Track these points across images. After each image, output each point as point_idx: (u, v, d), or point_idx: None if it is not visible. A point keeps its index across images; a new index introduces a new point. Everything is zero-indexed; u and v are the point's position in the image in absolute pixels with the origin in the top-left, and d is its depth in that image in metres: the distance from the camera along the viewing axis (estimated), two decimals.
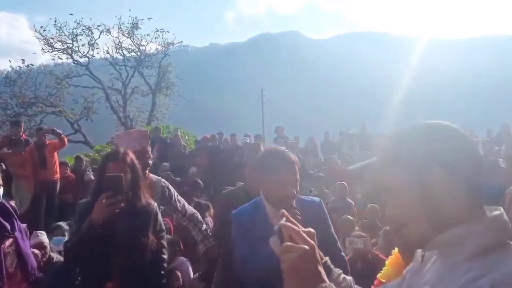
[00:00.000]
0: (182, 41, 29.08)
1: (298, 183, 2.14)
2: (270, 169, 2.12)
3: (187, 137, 14.12)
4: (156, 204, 2.58)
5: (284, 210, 1.14)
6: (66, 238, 4.63)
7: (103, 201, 2.25)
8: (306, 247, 0.98)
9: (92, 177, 8.44)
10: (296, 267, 0.96)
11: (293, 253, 0.97)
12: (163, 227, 2.59)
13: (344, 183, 6.01)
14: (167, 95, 25.79)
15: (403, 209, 0.97)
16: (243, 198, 2.95)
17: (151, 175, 3.28)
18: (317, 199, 2.40)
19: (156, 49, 25.71)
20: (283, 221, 1.06)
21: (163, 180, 3.30)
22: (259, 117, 28.46)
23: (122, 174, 2.32)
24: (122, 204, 2.28)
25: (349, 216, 5.04)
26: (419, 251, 1.04)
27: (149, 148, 3.23)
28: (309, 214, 1.98)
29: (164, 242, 2.61)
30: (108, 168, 2.42)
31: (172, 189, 3.29)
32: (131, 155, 2.50)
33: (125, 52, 25.23)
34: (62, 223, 4.67)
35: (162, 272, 2.57)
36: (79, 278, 2.58)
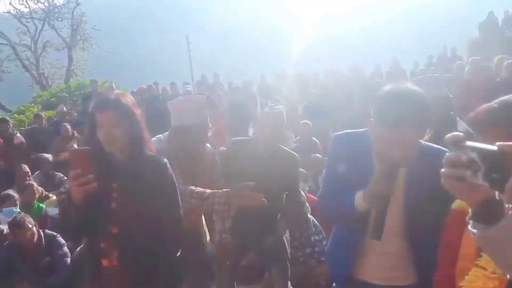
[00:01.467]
0: None
1: (416, 144, 1.66)
2: (383, 119, 1.62)
3: (117, 90, 13.24)
4: (166, 161, 2.11)
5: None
6: (17, 209, 4.16)
7: (74, 181, 1.84)
8: None
9: (24, 140, 7.65)
10: None
11: None
12: (177, 190, 2.13)
13: (308, 122, 5.96)
14: (84, 49, 23.96)
15: None
16: (251, 148, 2.71)
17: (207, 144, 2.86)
18: (445, 149, 1.95)
19: None
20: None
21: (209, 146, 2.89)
22: (182, 65, 27.29)
23: (88, 148, 1.88)
24: (96, 184, 1.83)
25: (317, 155, 5.04)
26: None
27: (208, 119, 2.68)
28: (434, 165, 1.70)
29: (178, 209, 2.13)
30: (98, 120, 1.95)
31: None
32: (126, 99, 2.02)
33: (31, 3, 22.71)
34: (11, 192, 4.14)
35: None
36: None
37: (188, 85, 10.28)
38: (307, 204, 3.84)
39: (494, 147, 0.82)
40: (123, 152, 2.00)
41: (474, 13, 16.08)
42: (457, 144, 0.87)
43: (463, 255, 1.70)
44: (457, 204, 1.75)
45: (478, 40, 12.99)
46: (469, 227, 0.98)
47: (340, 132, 1.99)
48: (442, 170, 0.91)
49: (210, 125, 2.72)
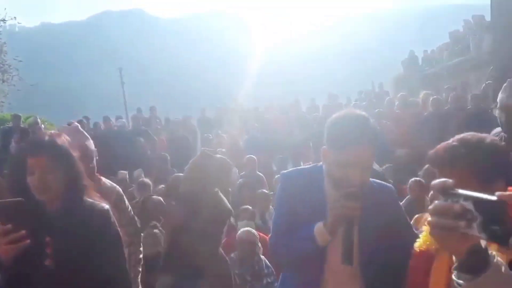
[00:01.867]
0: (15, 17, 25.20)
1: (370, 166, 1.75)
2: (337, 141, 1.68)
3: (43, 126, 12.39)
4: (109, 208, 1.89)
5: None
6: None
7: (2, 239, 1.58)
8: None
9: None
10: None
11: None
12: (121, 242, 1.92)
13: (253, 156, 5.86)
14: (4, 81, 22.42)
15: None
16: (202, 191, 2.69)
17: (104, 179, 2.54)
18: (390, 185, 2.00)
19: None
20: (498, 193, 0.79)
21: (118, 186, 2.64)
22: (116, 99, 26.67)
23: (22, 199, 1.63)
24: (28, 241, 1.59)
25: (264, 190, 4.91)
26: None
27: (89, 144, 2.42)
28: (383, 200, 1.80)
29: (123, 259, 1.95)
30: (29, 165, 1.71)
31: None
32: (62, 140, 1.80)
33: None
34: None
35: None
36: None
37: (122, 119, 9.83)
38: (259, 244, 3.67)
39: (493, 197, 0.76)
40: (57, 201, 1.76)
41: (397, 52, 17.39)
42: (446, 191, 0.80)
43: None
44: (420, 245, 1.68)
45: (402, 76, 14.02)
46: (454, 277, 0.93)
47: (287, 170, 2.03)
48: (429, 219, 0.84)
49: (93, 151, 2.49)
